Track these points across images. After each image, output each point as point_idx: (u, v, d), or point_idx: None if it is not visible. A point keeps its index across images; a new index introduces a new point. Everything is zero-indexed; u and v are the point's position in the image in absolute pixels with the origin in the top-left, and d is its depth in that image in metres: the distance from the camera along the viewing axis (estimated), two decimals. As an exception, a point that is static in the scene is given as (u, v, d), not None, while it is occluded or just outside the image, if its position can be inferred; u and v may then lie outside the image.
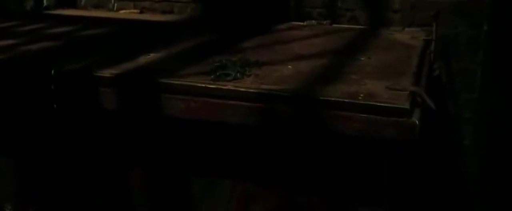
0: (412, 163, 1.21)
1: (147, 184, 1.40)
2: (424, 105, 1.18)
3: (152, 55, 1.49)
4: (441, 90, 1.91)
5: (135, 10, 2.41)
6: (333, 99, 1.14)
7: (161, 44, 1.61)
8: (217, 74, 1.29)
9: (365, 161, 1.21)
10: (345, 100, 1.13)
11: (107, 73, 1.31)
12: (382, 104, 1.10)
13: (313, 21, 2.06)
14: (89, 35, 1.82)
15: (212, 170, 1.35)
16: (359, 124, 1.12)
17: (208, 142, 1.32)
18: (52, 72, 1.32)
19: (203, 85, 1.23)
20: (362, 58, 1.49)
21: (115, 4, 2.47)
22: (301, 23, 2.04)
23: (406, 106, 1.10)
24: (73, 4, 2.54)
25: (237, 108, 1.19)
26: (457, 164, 1.95)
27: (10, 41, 1.68)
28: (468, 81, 1.96)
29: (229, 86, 1.22)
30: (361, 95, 1.15)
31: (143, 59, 1.45)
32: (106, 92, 1.30)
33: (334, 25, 2.03)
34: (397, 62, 1.45)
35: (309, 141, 1.23)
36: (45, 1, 2.53)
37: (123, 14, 2.38)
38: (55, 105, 1.32)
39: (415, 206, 1.82)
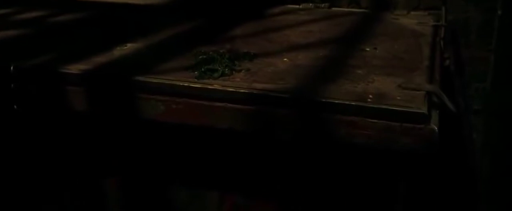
0: (427, 172, 1.05)
1: (123, 196, 1.23)
2: (442, 107, 1.02)
3: (128, 45, 1.31)
4: (450, 80, 1.75)
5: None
6: (337, 101, 0.97)
7: (139, 32, 1.43)
8: (202, 69, 1.12)
9: (373, 173, 1.05)
10: (352, 103, 0.96)
11: (74, 69, 1.14)
12: (396, 108, 0.94)
13: (310, 4, 1.87)
14: (60, 22, 1.63)
15: (197, 181, 1.18)
16: (367, 131, 0.96)
17: (193, 149, 1.15)
18: (11, 68, 1.14)
19: (186, 84, 1.05)
20: (367, 48, 1.32)
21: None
22: (297, 6, 1.86)
23: (424, 110, 0.93)
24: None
25: (225, 111, 1.03)
26: (467, 161, 1.80)
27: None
28: (479, 70, 1.79)
29: (216, 85, 1.04)
30: (370, 96, 0.99)
31: (118, 51, 1.27)
32: (74, 92, 1.12)
33: (333, 9, 1.85)
34: (407, 53, 1.28)
35: (307, 149, 1.06)
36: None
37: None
38: (15, 107, 1.14)
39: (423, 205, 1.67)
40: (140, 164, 1.21)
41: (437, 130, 0.92)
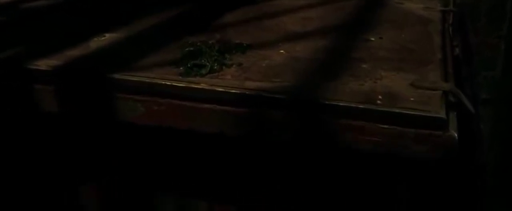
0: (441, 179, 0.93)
1: (101, 207, 1.11)
2: (460, 108, 0.90)
3: (107, 36, 1.18)
4: (458, 70, 1.63)
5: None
6: (342, 103, 0.85)
7: (120, 20, 1.29)
8: (188, 65, 0.99)
9: (383, 184, 0.93)
10: (360, 106, 0.84)
11: (44, 65, 1.01)
12: (410, 112, 0.81)
13: (307, -13, 1.73)
14: (30, 9, 1.48)
15: (184, 189, 1.06)
16: (376, 138, 0.84)
17: (177, 156, 1.03)
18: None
19: (169, 83, 0.92)
20: (372, 38, 1.19)
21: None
22: (293, -10, 1.72)
23: (442, 115, 0.81)
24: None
25: (214, 114, 0.90)
26: (475, 155, 1.68)
27: None
28: (489, 58, 1.67)
29: (203, 84, 0.92)
30: (380, 97, 0.86)
31: (95, 43, 1.14)
32: (44, 90, 0.99)
33: (332, -8, 1.71)
34: (416, 43, 1.16)
35: (307, 157, 0.94)
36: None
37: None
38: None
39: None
40: (120, 171, 1.08)
41: (456, 137, 0.80)
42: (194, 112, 0.91)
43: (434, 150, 0.81)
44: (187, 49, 1.08)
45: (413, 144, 0.82)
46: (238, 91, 0.89)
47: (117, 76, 0.95)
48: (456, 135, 0.81)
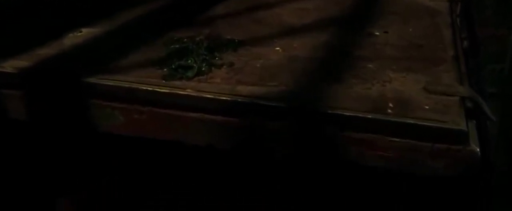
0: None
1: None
2: (479, 116, 0.80)
3: (84, 31, 1.06)
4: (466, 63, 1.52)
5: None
6: (348, 113, 0.74)
7: (98, 13, 1.17)
8: (173, 66, 0.88)
9: (393, 205, 0.83)
10: (368, 116, 0.73)
11: (9, 66, 0.89)
12: (426, 124, 0.71)
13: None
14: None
15: (170, 208, 0.95)
16: (387, 152, 0.73)
17: (162, 169, 0.92)
18: None
19: (150, 89, 0.81)
20: (376, 32, 1.08)
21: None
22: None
23: (463, 127, 0.71)
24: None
25: (201, 124, 0.79)
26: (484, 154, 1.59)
27: None
28: (496, 50, 1.57)
29: (190, 89, 0.81)
30: (390, 104, 0.76)
31: (70, 40, 1.02)
32: (10, 96, 0.88)
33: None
34: (425, 39, 1.05)
35: (307, 174, 0.84)
36: None
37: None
38: None
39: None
40: (97, 185, 0.97)
41: (479, 152, 0.70)
42: (179, 122, 0.80)
43: (452, 166, 0.71)
44: (172, 46, 0.97)
45: (429, 160, 0.71)
46: (229, 98, 0.78)
47: (92, 79, 0.84)
48: (478, 149, 0.70)
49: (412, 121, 0.72)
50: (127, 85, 0.82)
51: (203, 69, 0.88)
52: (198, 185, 0.91)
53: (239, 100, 0.78)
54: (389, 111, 0.74)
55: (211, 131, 0.79)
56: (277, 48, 0.99)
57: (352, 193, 0.83)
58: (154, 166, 0.91)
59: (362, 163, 0.74)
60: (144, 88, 0.81)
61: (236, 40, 1.01)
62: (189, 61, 0.90)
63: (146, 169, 0.92)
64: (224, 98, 0.78)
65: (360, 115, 0.73)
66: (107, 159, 0.93)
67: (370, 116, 0.73)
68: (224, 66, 0.90)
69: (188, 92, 0.80)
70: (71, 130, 0.88)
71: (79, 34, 1.05)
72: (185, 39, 1.01)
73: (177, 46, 0.97)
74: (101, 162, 0.94)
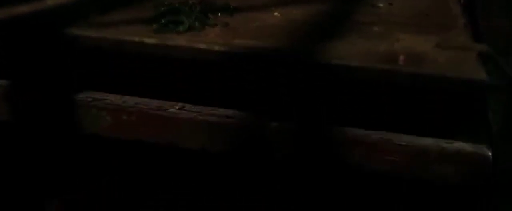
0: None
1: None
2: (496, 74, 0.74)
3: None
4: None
5: None
6: (354, 64, 0.67)
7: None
8: (163, 22, 0.81)
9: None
10: (378, 66, 0.66)
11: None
12: (443, 74, 0.64)
13: None
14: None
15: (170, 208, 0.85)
16: (392, 157, 0.65)
17: (150, 172, 0.82)
18: None
19: (137, 40, 0.74)
20: (380, 4, 1.02)
21: None
22: None
23: (482, 76, 0.64)
24: None
25: (195, 125, 0.71)
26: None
27: None
28: (500, 42, 1.51)
29: (180, 40, 0.73)
30: (401, 57, 0.69)
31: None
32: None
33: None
34: (431, 10, 0.99)
35: (307, 179, 0.74)
36: None
37: None
38: None
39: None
40: (85, 188, 0.87)
41: (490, 156, 0.63)
42: (171, 123, 0.72)
43: (463, 171, 0.64)
44: (161, 8, 0.90)
45: (435, 163, 0.64)
46: (224, 49, 0.71)
47: (75, 31, 0.76)
48: (489, 153, 0.63)
49: (428, 71, 0.64)
50: (111, 37, 0.75)
51: (196, 26, 0.81)
52: (198, 185, 0.82)
53: (235, 51, 0.71)
54: (401, 63, 0.67)
55: (205, 133, 0.71)
56: (276, 14, 0.92)
57: (352, 193, 0.74)
58: (154, 166, 0.82)
59: (366, 167, 0.66)
60: (130, 39, 0.74)
61: (231, 6, 0.94)
62: (181, 18, 0.82)
63: (146, 169, 0.83)
64: (217, 48, 0.71)
65: (369, 65, 0.66)
66: (107, 159, 0.84)
67: (380, 66, 0.66)
68: (218, 26, 0.83)
69: (178, 43, 0.72)
70: (56, 133, 0.79)
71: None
72: (177, 4, 0.93)
73: (166, 8, 0.90)
74: (101, 162, 0.84)
